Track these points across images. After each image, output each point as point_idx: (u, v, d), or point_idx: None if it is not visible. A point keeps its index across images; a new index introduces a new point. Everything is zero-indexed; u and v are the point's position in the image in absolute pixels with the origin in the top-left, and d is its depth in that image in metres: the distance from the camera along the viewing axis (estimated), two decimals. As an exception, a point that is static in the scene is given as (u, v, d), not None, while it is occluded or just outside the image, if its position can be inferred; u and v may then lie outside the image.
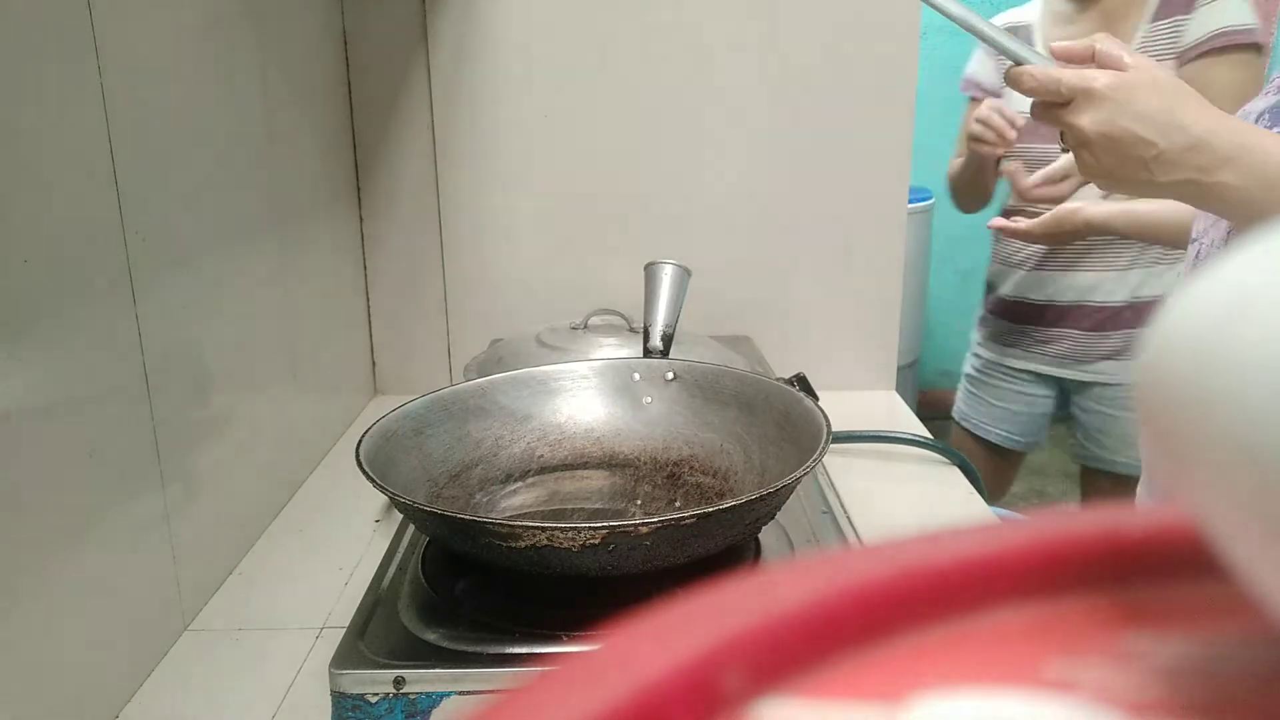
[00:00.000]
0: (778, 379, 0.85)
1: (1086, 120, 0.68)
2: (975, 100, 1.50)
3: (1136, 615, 0.15)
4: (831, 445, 0.67)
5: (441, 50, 1.12)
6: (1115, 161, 0.68)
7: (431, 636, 0.60)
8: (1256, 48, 1.27)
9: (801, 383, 0.92)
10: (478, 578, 0.67)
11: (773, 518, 0.68)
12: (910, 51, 1.12)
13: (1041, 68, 0.71)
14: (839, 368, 1.20)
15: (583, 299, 1.03)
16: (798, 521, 0.76)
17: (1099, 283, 1.42)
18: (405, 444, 0.73)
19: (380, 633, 0.61)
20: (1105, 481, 1.50)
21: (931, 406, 2.62)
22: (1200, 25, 1.27)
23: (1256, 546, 0.13)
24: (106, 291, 0.63)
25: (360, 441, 0.67)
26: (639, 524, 0.56)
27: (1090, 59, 0.71)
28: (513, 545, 0.57)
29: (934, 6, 0.72)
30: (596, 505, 0.75)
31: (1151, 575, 0.16)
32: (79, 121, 0.61)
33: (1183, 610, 0.16)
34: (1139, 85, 0.67)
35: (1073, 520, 0.17)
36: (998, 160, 1.40)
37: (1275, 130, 0.75)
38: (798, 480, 0.63)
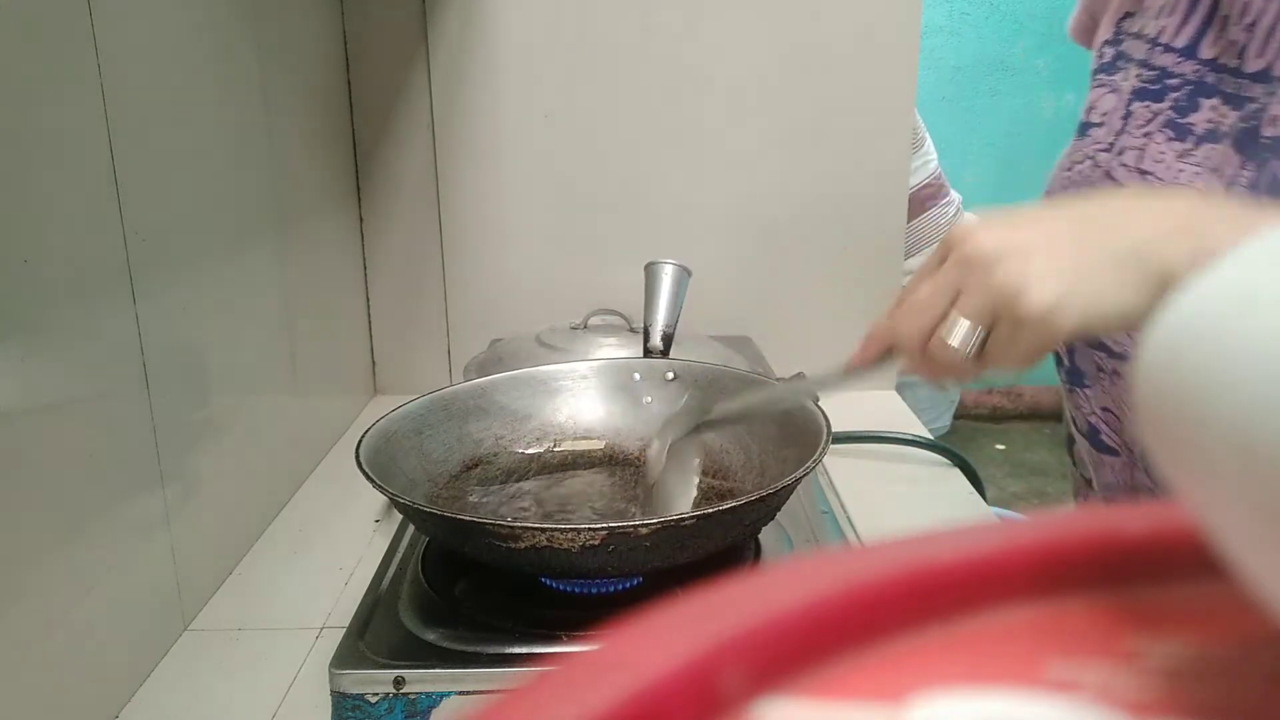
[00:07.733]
0: (778, 379, 0.85)
1: (981, 242, 0.47)
2: None
3: (1136, 615, 0.15)
4: (831, 445, 0.67)
5: (441, 50, 1.12)
6: (1060, 244, 0.45)
7: (431, 636, 0.60)
8: None
9: (801, 383, 0.92)
10: (478, 578, 0.67)
11: (773, 518, 0.68)
12: (910, 51, 1.12)
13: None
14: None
15: (583, 299, 1.03)
16: (798, 521, 0.76)
17: None
18: (405, 444, 0.73)
19: (380, 633, 0.61)
20: None
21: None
22: None
23: (1256, 543, 0.13)
24: (106, 291, 0.63)
25: (360, 442, 0.67)
26: (639, 525, 0.56)
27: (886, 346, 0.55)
28: (512, 546, 0.57)
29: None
30: (596, 505, 0.75)
31: (1151, 575, 0.16)
32: (79, 121, 0.60)
33: (1183, 611, 0.16)
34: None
35: (1073, 520, 0.17)
36: None
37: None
38: (798, 481, 0.63)
